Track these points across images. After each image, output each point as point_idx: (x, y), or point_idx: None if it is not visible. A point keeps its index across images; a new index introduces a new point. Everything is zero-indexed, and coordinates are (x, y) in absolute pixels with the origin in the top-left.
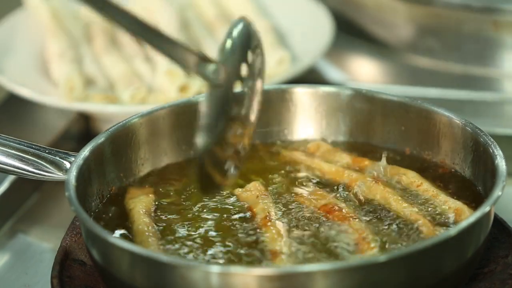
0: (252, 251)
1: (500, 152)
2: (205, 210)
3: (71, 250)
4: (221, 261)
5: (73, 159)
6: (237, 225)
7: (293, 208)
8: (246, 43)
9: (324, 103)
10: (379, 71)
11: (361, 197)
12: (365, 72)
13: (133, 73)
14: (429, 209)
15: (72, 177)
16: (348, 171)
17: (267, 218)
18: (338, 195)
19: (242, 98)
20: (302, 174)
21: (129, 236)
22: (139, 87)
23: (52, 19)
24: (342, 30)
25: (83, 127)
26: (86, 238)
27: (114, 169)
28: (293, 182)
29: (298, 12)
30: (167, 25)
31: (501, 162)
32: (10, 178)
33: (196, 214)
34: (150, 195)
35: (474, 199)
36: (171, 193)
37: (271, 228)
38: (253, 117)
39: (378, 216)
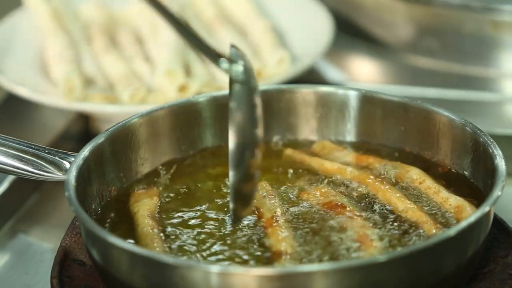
0: (257, 251)
1: (500, 152)
2: (210, 211)
3: (70, 250)
4: (226, 261)
5: (72, 159)
6: (243, 225)
7: (297, 206)
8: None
9: (324, 103)
10: (379, 71)
11: (364, 195)
12: (365, 72)
13: (133, 73)
14: (431, 205)
15: (71, 177)
16: (350, 169)
17: (274, 218)
18: (341, 192)
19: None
20: (305, 172)
21: (129, 236)
22: (139, 87)
23: (52, 19)
24: (342, 30)
25: (82, 127)
26: (85, 238)
27: (114, 169)
28: (296, 181)
29: (298, 12)
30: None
31: (500, 162)
32: (10, 178)
33: (201, 214)
34: (155, 198)
35: (473, 199)
36: (173, 194)
37: (277, 228)
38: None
39: (381, 214)
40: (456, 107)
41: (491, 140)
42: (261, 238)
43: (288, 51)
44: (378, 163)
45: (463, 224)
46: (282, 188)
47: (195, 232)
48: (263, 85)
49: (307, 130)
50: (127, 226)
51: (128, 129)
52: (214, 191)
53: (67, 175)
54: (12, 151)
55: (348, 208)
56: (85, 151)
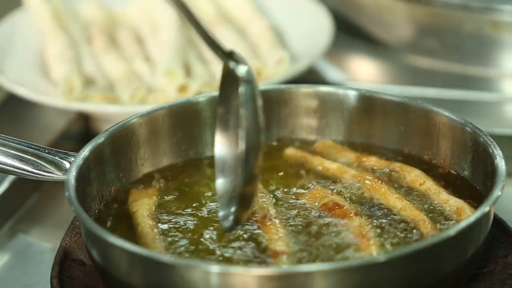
0: (253, 250)
1: (500, 152)
2: (206, 211)
3: (70, 250)
4: (223, 261)
5: (72, 159)
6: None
7: (294, 206)
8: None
9: (323, 103)
10: (379, 71)
11: (363, 195)
12: (364, 72)
13: (133, 73)
14: (431, 207)
15: (71, 177)
16: (350, 169)
17: (267, 217)
18: (339, 192)
19: None
20: (304, 172)
21: (129, 236)
22: (139, 87)
23: (52, 19)
24: (342, 30)
25: (82, 127)
26: (85, 238)
27: (113, 169)
28: (295, 180)
29: (298, 12)
30: (167, 25)
31: (500, 162)
32: (10, 178)
33: (197, 214)
34: (153, 197)
35: (473, 199)
36: (173, 194)
37: (271, 227)
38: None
39: (379, 214)
40: (456, 107)
41: (491, 140)
42: (256, 237)
43: (288, 51)
44: (379, 164)
45: (463, 224)
46: (280, 187)
47: (193, 231)
48: (262, 85)
49: (306, 130)
50: (127, 226)
51: (128, 129)
52: (213, 191)
53: (67, 175)
54: (12, 151)
55: (345, 208)
56: (85, 151)
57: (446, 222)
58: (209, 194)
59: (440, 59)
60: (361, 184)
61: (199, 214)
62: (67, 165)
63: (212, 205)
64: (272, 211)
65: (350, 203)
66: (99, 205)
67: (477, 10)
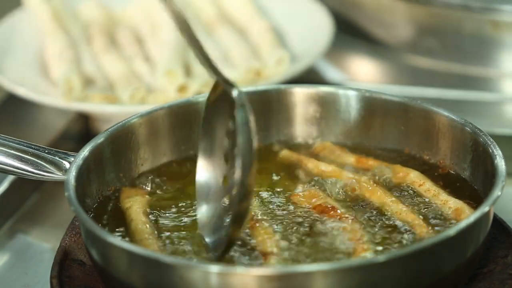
0: (243, 251)
1: (500, 152)
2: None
3: (70, 250)
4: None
5: (72, 159)
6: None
7: (287, 208)
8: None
9: (323, 103)
10: (379, 71)
11: (357, 197)
12: (364, 72)
13: (133, 73)
14: (429, 208)
15: (71, 177)
16: (346, 171)
17: (254, 218)
18: (333, 195)
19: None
20: (299, 173)
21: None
22: (139, 87)
23: (52, 19)
24: (342, 30)
25: (82, 127)
26: (85, 238)
27: (113, 169)
28: (289, 182)
29: (297, 12)
30: (166, 25)
31: (500, 162)
32: (10, 178)
33: (190, 214)
34: (146, 196)
35: (473, 199)
36: (167, 193)
37: (259, 228)
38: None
39: (373, 217)
40: (456, 107)
41: (491, 140)
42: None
43: (288, 51)
44: (378, 165)
45: (463, 224)
46: (273, 189)
47: (184, 231)
48: (262, 85)
49: (306, 130)
50: (127, 226)
51: (128, 129)
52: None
53: (67, 175)
54: (12, 151)
55: (339, 211)
56: (85, 151)
57: (445, 223)
58: None
59: (440, 59)
60: (356, 186)
61: (191, 213)
62: (67, 165)
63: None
64: (259, 213)
65: (343, 205)
66: (99, 205)
67: (477, 10)
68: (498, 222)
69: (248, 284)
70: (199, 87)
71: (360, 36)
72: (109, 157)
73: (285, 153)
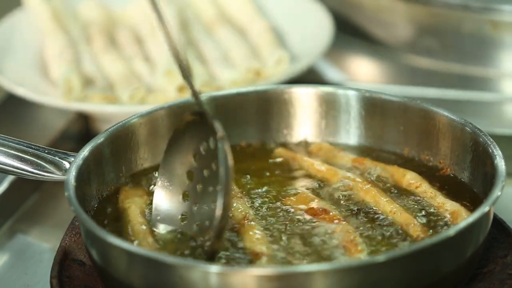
0: (234, 252)
1: (500, 152)
2: None
3: (70, 250)
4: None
5: (72, 159)
6: None
7: (278, 210)
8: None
9: (323, 103)
10: (378, 71)
11: (352, 198)
12: (364, 72)
13: (132, 73)
14: (426, 210)
15: (71, 177)
16: (340, 171)
17: (245, 219)
18: (326, 196)
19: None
20: (294, 174)
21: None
22: (138, 87)
23: (52, 19)
24: (342, 30)
25: (82, 127)
26: (85, 238)
27: (113, 169)
28: (283, 183)
29: (297, 12)
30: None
31: (500, 162)
32: (10, 178)
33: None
34: (144, 196)
35: (472, 200)
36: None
37: (250, 229)
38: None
39: (368, 218)
40: (456, 107)
41: (491, 140)
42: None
43: (288, 51)
44: (374, 166)
45: (463, 224)
46: (267, 190)
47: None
48: (262, 85)
49: (306, 131)
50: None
51: (127, 129)
52: None
53: (67, 175)
54: (12, 151)
55: (331, 214)
56: (85, 151)
57: (442, 226)
58: None
59: (440, 59)
60: (351, 186)
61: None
62: (67, 165)
63: None
64: (251, 213)
65: (336, 207)
66: (99, 205)
67: (477, 10)
68: (498, 222)
69: (247, 284)
70: (198, 87)
71: (360, 36)
72: (109, 157)
73: (279, 151)
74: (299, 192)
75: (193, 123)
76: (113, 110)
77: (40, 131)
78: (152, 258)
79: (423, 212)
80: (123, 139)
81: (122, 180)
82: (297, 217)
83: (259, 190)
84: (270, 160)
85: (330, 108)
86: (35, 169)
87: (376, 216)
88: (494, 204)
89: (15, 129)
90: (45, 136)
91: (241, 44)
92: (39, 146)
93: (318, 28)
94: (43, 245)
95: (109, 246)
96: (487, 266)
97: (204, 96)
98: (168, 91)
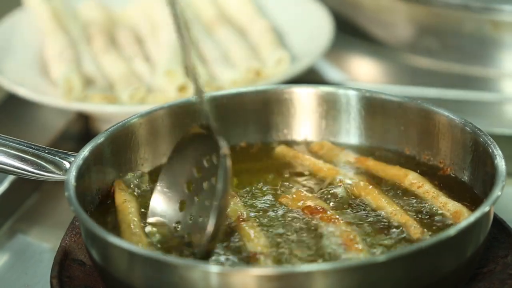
0: (231, 252)
1: (500, 152)
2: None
3: (70, 250)
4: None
5: (72, 159)
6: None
7: (276, 209)
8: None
9: (323, 103)
10: (379, 71)
11: (351, 197)
12: (364, 72)
13: (132, 73)
14: (428, 210)
15: (71, 177)
16: (341, 170)
17: (241, 218)
18: (327, 194)
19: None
20: (294, 172)
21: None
22: (138, 87)
23: (52, 19)
24: (342, 30)
25: (82, 127)
26: (85, 238)
27: (113, 169)
28: (282, 182)
29: (298, 12)
30: (166, 25)
31: (500, 162)
32: (10, 178)
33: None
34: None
35: (472, 200)
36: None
37: (246, 229)
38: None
39: (367, 217)
40: (456, 107)
41: (491, 140)
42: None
43: (288, 51)
44: (376, 166)
45: (463, 224)
46: (266, 188)
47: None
48: (262, 85)
49: (306, 130)
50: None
51: (128, 129)
52: None
53: (67, 175)
54: (12, 151)
55: (328, 213)
56: (85, 151)
57: (444, 226)
58: None
59: (440, 59)
60: (352, 186)
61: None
62: (67, 165)
63: None
64: (245, 213)
65: (335, 206)
66: (99, 205)
67: (477, 10)
68: (498, 222)
69: (248, 284)
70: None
71: (360, 36)
72: (109, 157)
73: (281, 149)
74: (296, 191)
75: (199, 135)
76: (113, 110)
77: (40, 131)
78: (152, 258)
79: (425, 213)
80: (123, 139)
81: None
82: (295, 216)
83: (259, 189)
84: (270, 159)
85: (330, 108)
86: (35, 169)
87: (376, 215)
88: (494, 204)
89: (15, 129)
90: (45, 136)
91: (241, 44)
92: (39, 146)
93: (318, 28)
94: (43, 245)
95: (109, 246)
96: (488, 266)
97: (204, 96)
98: (168, 91)
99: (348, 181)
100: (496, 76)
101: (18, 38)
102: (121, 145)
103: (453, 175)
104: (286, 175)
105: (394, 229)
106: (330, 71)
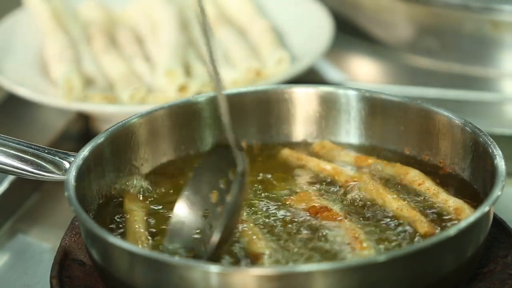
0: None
1: (500, 152)
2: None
3: (70, 250)
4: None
5: (72, 159)
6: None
7: (280, 210)
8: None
9: (323, 103)
10: (379, 71)
11: (357, 196)
12: (364, 72)
13: (133, 73)
14: (430, 207)
15: (71, 177)
16: (346, 170)
17: (241, 220)
18: (332, 194)
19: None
20: (298, 173)
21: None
22: (139, 87)
23: (52, 19)
24: (342, 30)
25: (82, 127)
26: (85, 238)
27: (113, 169)
28: (288, 182)
29: (298, 12)
30: (166, 25)
31: (500, 162)
32: (10, 178)
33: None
34: (146, 202)
35: (473, 199)
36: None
37: (248, 230)
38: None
39: (373, 216)
40: (456, 107)
41: (491, 140)
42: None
43: (288, 51)
44: (377, 164)
45: (463, 224)
46: (271, 189)
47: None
48: (262, 85)
49: (306, 130)
50: (126, 226)
51: (128, 129)
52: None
53: (67, 175)
54: (12, 151)
55: (333, 211)
56: (85, 151)
57: (446, 223)
58: None
59: (440, 59)
60: (357, 185)
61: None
62: (67, 165)
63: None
64: (245, 214)
65: (340, 205)
66: (99, 205)
67: (477, 10)
68: (498, 222)
69: (248, 284)
70: (199, 87)
71: (360, 36)
72: (109, 157)
73: (285, 152)
74: (300, 191)
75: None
76: (113, 110)
77: (40, 131)
78: (153, 258)
79: (427, 209)
80: (123, 139)
81: (123, 180)
82: (300, 216)
83: (261, 190)
84: (271, 160)
85: (330, 108)
86: (35, 169)
87: (381, 213)
88: (494, 204)
89: (15, 129)
90: (45, 136)
91: (241, 44)
92: (39, 146)
93: (318, 28)
94: (43, 245)
95: (109, 246)
96: (488, 266)
97: (204, 96)
98: (168, 91)
99: (354, 180)
100: (496, 76)
101: (18, 38)
102: (121, 145)
103: (454, 173)
104: (289, 175)
105: (401, 225)
106: (330, 71)
